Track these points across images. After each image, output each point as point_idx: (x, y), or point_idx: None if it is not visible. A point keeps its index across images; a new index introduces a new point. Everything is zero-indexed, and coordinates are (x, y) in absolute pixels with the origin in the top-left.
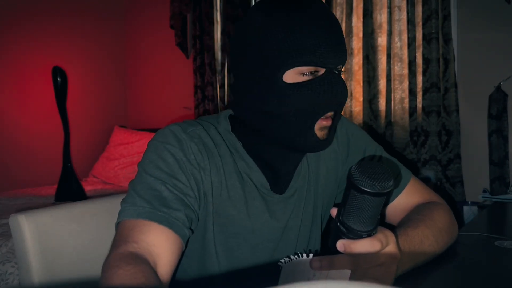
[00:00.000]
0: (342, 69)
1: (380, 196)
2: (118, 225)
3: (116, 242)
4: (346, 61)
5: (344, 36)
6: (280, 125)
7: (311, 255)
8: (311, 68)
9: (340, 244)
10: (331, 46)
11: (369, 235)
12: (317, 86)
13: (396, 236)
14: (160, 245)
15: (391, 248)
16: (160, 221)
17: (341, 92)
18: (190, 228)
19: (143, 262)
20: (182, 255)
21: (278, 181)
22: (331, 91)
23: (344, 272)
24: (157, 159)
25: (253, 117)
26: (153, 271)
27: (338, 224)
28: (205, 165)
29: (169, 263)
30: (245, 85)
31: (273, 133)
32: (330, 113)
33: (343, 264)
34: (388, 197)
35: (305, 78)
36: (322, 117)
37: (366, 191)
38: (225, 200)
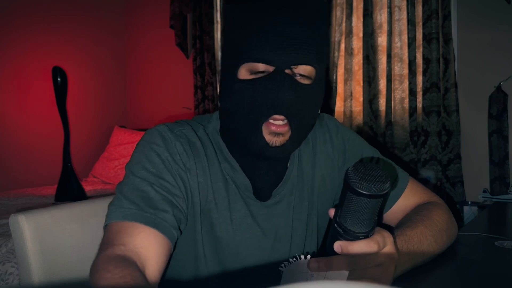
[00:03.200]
0: (304, 70)
1: (376, 198)
2: (105, 228)
3: (103, 245)
4: (346, 61)
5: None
6: (233, 123)
7: (308, 256)
8: (261, 66)
9: (337, 245)
10: (281, 43)
11: (366, 237)
12: (259, 84)
13: (394, 237)
14: (147, 247)
15: (389, 249)
16: (147, 223)
17: (285, 95)
18: (179, 229)
19: (131, 264)
20: (171, 257)
21: (256, 187)
22: (274, 91)
23: (342, 273)
24: (143, 159)
25: (221, 114)
26: (141, 273)
27: (335, 225)
28: (190, 166)
29: (157, 264)
30: (220, 83)
31: (230, 131)
32: (279, 117)
33: (341, 265)
34: (385, 198)
35: (255, 76)
36: (272, 121)
37: (362, 193)
38: (210, 202)
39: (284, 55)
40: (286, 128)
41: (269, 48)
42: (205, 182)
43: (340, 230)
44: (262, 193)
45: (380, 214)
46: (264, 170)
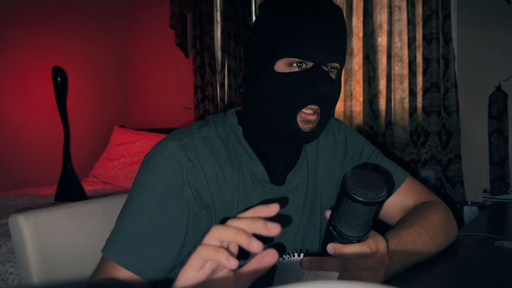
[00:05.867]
0: (332, 66)
1: (372, 205)
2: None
3: (93, 273)
4: (346, 61)
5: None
6: (266, 111)
7: (301, 254)
8: (300, 61)
9: (331, 247)
10: (320, 42)
11: (359, 241)
12: (299, 78)
13: (387, 241)
14: (128, 281)
15: (380, 253)
16: (129, 267)
17: (323, 88)
18: (178, 257)
19: (114, 280)
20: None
21: (274, 171)
22: (312, 84)
23: (332, 273)
24: (148, 183)
25: (247, 102)
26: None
27: (330, 227)
28: (201, 178)
29: None
30: (248, 73)
31: (261, 119)
32: (314, 107)
33: (332, 266)
34: (380, 205)
35: (293, 69)
36: (306, 110)
37: (358, 199)
38: (229, 205)
39: (324, 53)
40: (317, 116)
41: (311, 46)
42: (219, 188)
43: (335, 233)
44: (277, 177)
45: (375, 218)
46: (283, 153)
